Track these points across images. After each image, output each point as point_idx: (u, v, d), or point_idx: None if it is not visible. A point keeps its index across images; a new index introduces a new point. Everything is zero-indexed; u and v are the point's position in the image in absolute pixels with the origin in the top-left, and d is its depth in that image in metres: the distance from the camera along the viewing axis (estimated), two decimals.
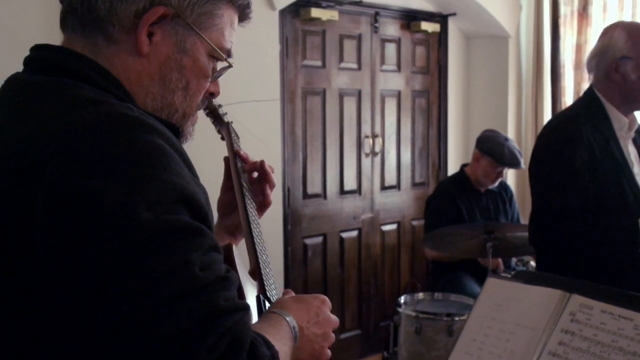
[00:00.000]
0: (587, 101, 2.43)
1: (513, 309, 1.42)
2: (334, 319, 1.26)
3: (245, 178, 1.55)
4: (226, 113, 1.65)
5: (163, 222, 0.90)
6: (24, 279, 0.95)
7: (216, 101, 1.61)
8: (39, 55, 1.12)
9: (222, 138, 1.66)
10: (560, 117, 2.60)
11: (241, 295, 1.22)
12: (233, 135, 1.62)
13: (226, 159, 1.59)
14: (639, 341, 1.20)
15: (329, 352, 1.24)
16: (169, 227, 0.91)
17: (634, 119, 2.43)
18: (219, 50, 1.18)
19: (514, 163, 4.01)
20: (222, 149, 1.63)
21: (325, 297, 1.26)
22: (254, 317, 1.22)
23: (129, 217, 0.89)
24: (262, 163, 1.58)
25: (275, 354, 0.97)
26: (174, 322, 0.87)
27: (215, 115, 1.63)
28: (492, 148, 4.00)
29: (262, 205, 1.58)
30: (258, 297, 1.33)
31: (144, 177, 0.92)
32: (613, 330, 1.24)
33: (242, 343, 0.90)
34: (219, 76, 1.25)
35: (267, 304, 1.33)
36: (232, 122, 1.65)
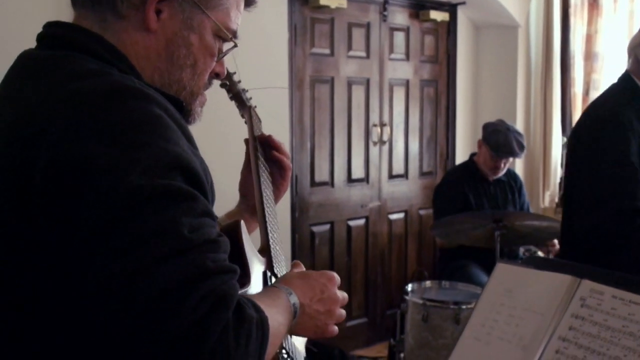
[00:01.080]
0: (626, 88, 2.32)
1: (523, 295, 1.42)
2: (342, 296, 1.27)
3: (263, 161, 1.58)
4: (251, 97, 1.69)
5: (155, 186, 0.93)
6: (21, 243, 0.97)
7: (240, 86, 1.66)
8: (50, 32, 1.15)
9: (246, 122, 1.70)
10: (604, 106, 2.43)
11: (245, 269, 1.24)
12: (255, 119, 1.66)
13: (246, 141, 1.62)
14: None
15: (335, 328, 1.26)
16: (161, 190, 0.94)
17: None
18: (225, 30, 1.21)
19: (508, 152, 3.93)
20: (245, 132, 1.66)
21: (334, 274, 1.28)
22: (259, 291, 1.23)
23: (122, 181, 0.92)
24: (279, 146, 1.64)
25: (265, 318, 0.99)
26: (159, 281, 0.89)
27: (239, 99, 1.68)
28: (489, 135, 3.98)
29: (280, 186, 1.64)
30: (264, 273, 1.35)
31: (139, 143, 0.95)
32: (624, 316, 1.24)
33: (227, 302, 0.93)
34: (224, 56, 1.27)
35: (273, 280, 1.34)
36: (255, 107, 1.69)
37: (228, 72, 1.65)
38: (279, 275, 1.38)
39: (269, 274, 1.36)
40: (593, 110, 2.42)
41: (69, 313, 0.97)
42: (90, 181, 0.93)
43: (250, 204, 1.61)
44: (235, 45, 1.27)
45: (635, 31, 4.81)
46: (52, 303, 0.98)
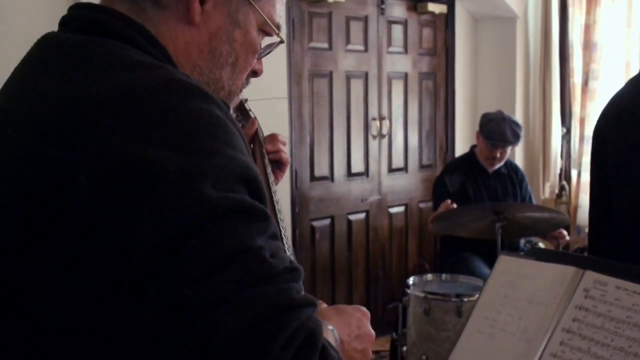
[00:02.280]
0: None
1: (526, 286, 1.41)
2: (373, 333, 1.14)
3: (272, 177, 1.51)
4: (250, 109, 1.62)
5: (229, 201, 0.80)
6: (57, 254, 0.83)
7: (242, 95, 1.59)
8: (81, 14, 1.01)
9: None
10: (631, 96, 2.35)
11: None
12: (259, 130, 1.59)
13: (252, 121, 1.56)
14: None
15: None
16: (235, 207, 0.81)
17: None
18: (271, 24, 1.09)
19: (501, 140, 3.90)
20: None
21: (366, 310, 1.16)
22: None
23: (193, 192, 0.79)
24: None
25: (341, 359, 0.88)
26: (242, 314, 0.76)
27: (242, 110, 1.60)
28: (484, 124, 3.97)
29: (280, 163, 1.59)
30: None
31: (208, 149, 0.82)
32: (628, 306, 1.24)
33: (317, 341, 0.81)
34: (267, 53, 1.16)
35: None
36: (255, 118, 1.62)
37: None
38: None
39: None
40: (619, 102, 2.37)
41: (126, 352, 0.83)
42: (154, 192, 0.78)
43: None
44: (282, 41, 1.16)
45: (633, 20, 4.80)
46: (99, 338, 0.83)
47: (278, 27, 1.11)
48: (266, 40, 1.15)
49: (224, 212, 0.79)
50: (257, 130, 1.56)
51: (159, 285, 0.77)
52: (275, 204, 1.45)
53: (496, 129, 3.89)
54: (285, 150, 1.59)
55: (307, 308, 0.82)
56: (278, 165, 1.59)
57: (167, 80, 0.87)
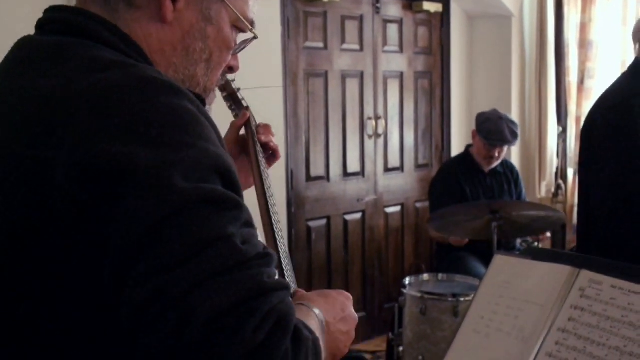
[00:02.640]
0: (636, 74, 2.28)
1: (521, 286, 1.41)
2: (356, 316, 1.19)
3: (264, 163, 1.51)
4: (243, 98, 1.62)
5: (200, 191, 0.83)
6: (38, 249, 0.87)
7: (235, 85, 1.59)
8: (56, 17, 1.04)
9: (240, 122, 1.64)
10: (616, 93, 2.36)
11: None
12: (252, 119, 1.59)
13: (233, 124, 1.57)
14: None
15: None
16: (207, 196, 0.84)
17: None
18: (244, 20, 1.12)
19: (500, 139, 3.91)
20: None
21: (349, 294, 1.20)
22: None
23: (164, 185, 0.82)
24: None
25: (317, 339, 0.90)
26: (216, 300, 0.79)
27: (234, 99, 1.60)
28: (481, 124, 3.97)
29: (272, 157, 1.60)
30: None
31: (179, 143, 0.85)
32: (623, 306, 1.23)
33: (288, 323, 0.83)
34: (241, 49, 1.19)
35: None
36: (249, 107, 1.62)
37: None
38: (290, 284, 1.33)
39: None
40: (605, 100, 2.40)
41: (107, 337, 0.87)
42: (127, 187, 0.82)
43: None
44: (255, 37, 1.18)
45: (629, 19, 4.80)
46: (88, 327, 0.87)
47: (252, 23, 1.14)
48: (245, 36, 1.17)
49: (195, 202, 0.82)
50: (249, 119, 1.57)
51: (136, 275, 0.80)
52: (267, 190, 1.45)
53: (494, 129, 3.89)
54: (274, 141, 1.60)
55: (280, 292, 0.85)
56: (269, 157, 1.60)
57: (139, 78, 0.90)
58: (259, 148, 1.53)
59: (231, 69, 1.21)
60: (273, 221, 1.40)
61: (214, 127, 0.94)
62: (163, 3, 1.03)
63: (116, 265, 0.82)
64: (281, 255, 1.35)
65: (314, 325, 1.01)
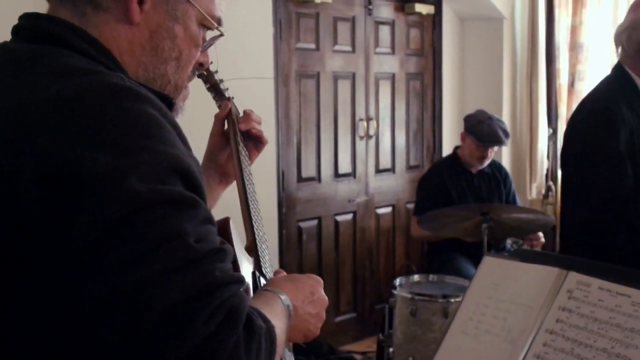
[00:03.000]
0: (618, 79, 2.30)
1: (510, 288, 1.41)
2: (326, 298, 1.24)
3: (245, 153, 1.55)
4: (227, 89, 1.65)
5: (156, 193, 0.88)
6: (8, 250, 0.91)
7: (218, 76, 1.62)
8: (28, 24, 1.08)
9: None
10: (596, 97, 2.40)
11: (237, 270, 1.21)
12: (235, 110, 1.62)
13: (216, 116, 1.59)
14: (636, 317, 1.19)
15: (319, 331, 1.23)
16: (162, 197, 0.88)
17: None
18: (210, 18, 1.16)
19: (494, 140, 3.95)
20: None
21: (319, 278, 1.25)
22: (250, 293, 1.21)
23: (121, 188, 0.86)
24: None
25: (272, 328, 0.95)
26: (168, 294, 0.84)
27: (217, 90, 1.64)
28: (473, 126, 3.98)
29: (260, 143, 1.61)
30: (253, 273, 1.32)
31: (136, 147, 0.90)
32: (611, 307, 1.23)
33: (239, 314, 0.88)
34: (209, 46, 1.23)
35: (262, 281, 1.32)
36: (233, 98, 1.65)
37: None
38: (267, 276, 1.35)
39: (257, 274, 1.33)
40: (585, 104, 2.42)
41: (70, 333, 0.91)
42: (85, 189, 0.86)
43: (220, 171, 1.57)
44: (222, 34, 1.22)
45: (619, 21, 4.82)
46: (52, 322, 0.92)
47: (219, 21, 1.19)
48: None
49: (151, 203, 0.87)
50: (230, 110, 1.59)
51: (95, 274, 0.85)
52: (246, 180, 1.48)
53: (488, 130, 3.92)
54: (261, 128, 1.62)
55: (232, 285, 0.90)
56: (255, 143, 1.62)
57: (101, 85, 0.94)
58: (239, 138, 1.55)
59: (201, 65, 1.25)
60: (251, 210, 1.44)
61: (178, 129, 0.99)
62: (130, 5, 1.06)
63: (77, 266, 0.87)
64: (258, 243, 1.39)
65: (277, 311, 1.07)
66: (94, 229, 0.85)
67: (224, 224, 1.27)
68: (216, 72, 1.64)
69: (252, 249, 1.39)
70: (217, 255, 0.90)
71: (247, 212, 1.43)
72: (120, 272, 0.84)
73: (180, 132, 0.99)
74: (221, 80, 1.64)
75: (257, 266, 1.35)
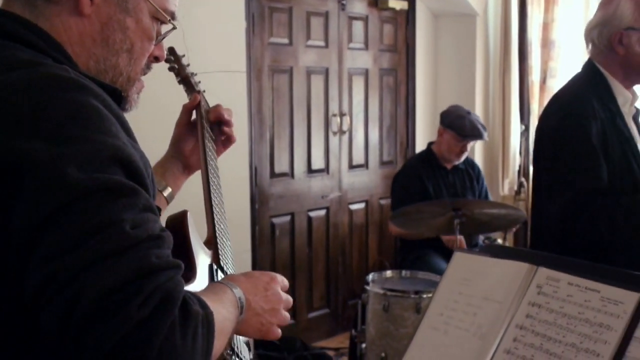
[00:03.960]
0: (589, 75, 2.30)
1: (480, 283, 1.41)
2: (286, 297, 1.25)
3: (212, 145, 1.56)
4: (199, 82, 1.66)
5: (94, 181, 0.90)
6: None
7: (189, 69, 1.64)
8: None
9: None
10: (568, 92, 2.40)
11: (191, 263, 1.22)
12: (204, 104, 1.62)
13: (184, 107, 1.60)
14: (605, 312, 1.19)
15: (278, 330, 1.23)
16: (100, 186, 0.90)
17: (635, 94, 2.31)
18: (162, 12, 1.17)
19: (476, 134, 3.99)
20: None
21: (277, 275, 1.26)
22: (205, 286, 1.20)
23: (59, 177, 0.88)
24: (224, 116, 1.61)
25: (210, 314, 0.96)
26: (102, 280, 0.86)
27: (188, 84, 1.65)
28: (453, 121, 4.00)
29: (227, 141, 1.64)
30: (210, 266, 1.32)
31: (76, 136, 0.92)
32: (579, 302, 1.24)
33: (174, 299, 0.90)
34: (162, 39, 1.24)
35: (220, 274, 1.33)
36: (204, 91, 1.66)
37: (177, 55, 1.64)
38: (225, 269, 1.36)
39: (215, 267, 1.33)
40: (557, 99, 2.42)
41: (15, 321, 0.94)
42: (23, 178, 0.89)
43: (183, 161, 1.59)
44: (174, 28, 1.24)
45: (590, 18, 4.86)
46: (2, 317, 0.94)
47: (172, 15, 1.20)
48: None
49: (89, 191, 0.89)
50: (199, 103, 1.60)
51: (34, 262, 0.87)
52: (210, 172, 1.50)
53: (469, 125, 3.95)
54: (230, 119, 1.63)
55: (168, 270, 0.91)
56: (223, 141, 1.65)
57: (43, 76, 0.96)
58: (207, 132, 1.56)
59: (157, 59, 1.25)
60: (213, 203, 1.45)
61: (122, 120, 1.01)
62: None
63: (18, 254, 0.89)
64: (218, 236, 1.40)
65: (225, 300, 1.09)
66: (32, 216, 0.88)
67: (181, 217, 1.27)
68: (188, 65, 1.66)
69: (211, 242, 1.39)
70: (154, 242, 0.92)
71: (210, 205, 1.45)
72: (57, 260, 0.86)
73: (124, 124, 1.01)
74: (193, 74, 1.65)
75: (215, 259, 1.36)
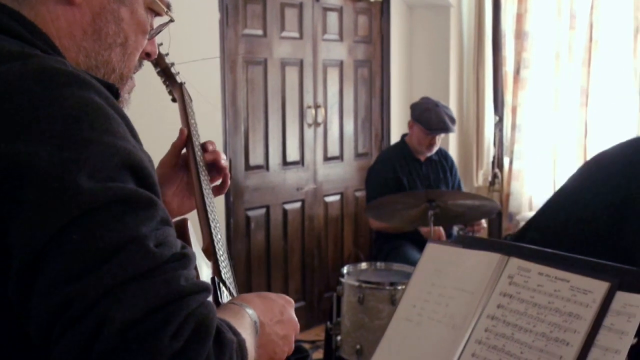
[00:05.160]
0: None
1: (453, 274, 1.41)
2: (297, 321, 1.16)
3: (200, 152, 1.44)
4: (179, 73, 1.56)
5: (108, 191, 0.78)
6: None
7: (168, 59, 1.53)
8: None
9: (173, 100, 1.57)
10: None
11: (197, 276, 1.10)
12: (186, 97, 1.53)
13: (182, 130, 1.46)
14: (574, 302, 1.20)
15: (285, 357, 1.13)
16: (115, 196, 0.78)
17: None
18: (159, 2, 1.07)
19: (441, 128, 4.00)
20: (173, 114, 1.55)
21: (290, 299, 1.17)
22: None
23: (67, 187, 0.76)
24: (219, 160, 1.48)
25: (242, 341, 0.87)
26: (127, 308, 0.74)
27: (168, 74, 1.54)
28: (420, 114, 4.02)
29: (221, 187, 1.49)
30: (213, 279, 1.22)
31: (83, 139, 0.80)
32: (550, 292, 1.24)
33: (209, 327, 0.79)
34: (157, 33, 1.14)
35: (222, 287, 1.23)
36: (184, 83, 1.56)
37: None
38: (226, 281, 1.26)
39: (217, 280, 1.23)
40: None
41: (17, 352, 0.82)
42: (28, 189, 0.76)
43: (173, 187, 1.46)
44: (172, 20, 1.14)
45: (563, 10, 4.88)
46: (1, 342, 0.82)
47: (168, 5, 1.10)
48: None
49: (103, 203, 0.77)
50: (184, 101, 1.52)
51: (43, 286, 0.75)
52: (203, 178, 1.40)
53: (435, 118, 3.95)
54: (228, 170, 1.51)
55: (198, 295, 0.80)
56: (219, 189, 1.51)
57: (40, 69, 0.84)
58: (198, 150, 1.45)
59: (148, 55, 1.15)
60: (208, 209, 1.35)
61: (127, 120, 0.89)
62: None
63: (21, 275, 0.76)
64: (216, 245, 1.31)
65: (245, 325, 0.97)
66: (39, 234, 0.75)
67: (182, 225, 1.18)
68: (167, 54, 1.54)
69: (210, 252, 1.30)
70: (180, 262, 0.81)
71: (204, 212, 1.34)
72: (73, 283, 0.74)
73: (128, 122, 0.90)
74: (172, 64, 1.54)
75: (217, 271, 1.26)
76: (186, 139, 1.45)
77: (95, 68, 1.02)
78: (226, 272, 1.30)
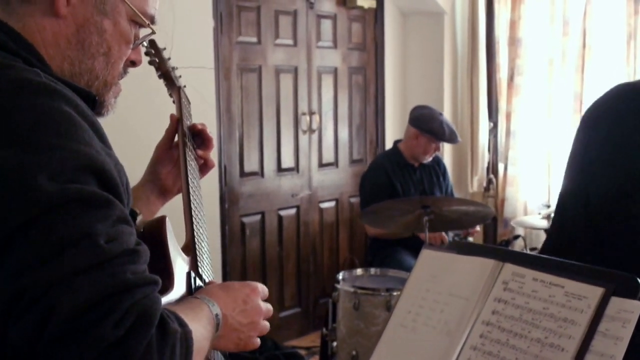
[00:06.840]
0: None
1: (447, 280, 1.41)
2: (266, 307, 1.22)
3: (192, 148, 1.52)
4: (180, 76, 1.63)
5: (66, 192, 0.86)
6: None
7: (170, 63, 1.62)
8: None
9: (174, 101, 1.64)
10: None
11: (169, 271, 1.18)
12: (184, 100, 1.60)
13: (172, 116, 1.57)
14: (569, 307, 1.20)
15: (257, 341, 1.21)
16: (72, 196, 0.86)
17: None
18: (141, 15, 1.13)
19: (453, 139, 4.06)
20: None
21: (257, 285, 1.23)
22: (182, 294, 1.18)
23: (29, 186, 0.85)
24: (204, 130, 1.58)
25: (189, 332, 0.93)
26: (76, 297, 0.81)
27: (168, 78, 1.62)
28: (432, 127, 4.01)
29: (205, 166, 1.59)
30: (188, 274, 1.28)
31: (46, 144, 0.88)
32: (544, 298, 1.24)
33: (151, 317, 0.86)
34: (140, 43, 1.20)
35: (198, 281, 1.29)
36: (184, 86, 1.63)
37: (157, 48, 1.60)
38: (203, 276, 1.32)
39: (192, 275, 1.29)
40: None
41: None
42: None
43: (159, 185, 1.55)
44: (153, 32, 1.20)
45: (556, 17, 4.90)
46: None
47: (151, 19, 1.17)
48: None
49: (60, 202, 0.85)
50: (180, 104, 1.58)
51: (3, 277, 0.83)
52: (191, 176, 1.46)
53: (446, 128, 4.00)
54: (212, 144, 1.60)
55: (144, 287, 0.88)
56: (202, 168, 1.59)
57: (13, 80, 0.92)
58: (190, 146, 1.52)
59: (133, 63, 1.22)
60: (192, 207, 1.41)
61: (96, 127, 0.97)
62: None
63: None
64: (197, 242, 1.37)
65: (201, 317, 1.05)
66: (1, 230, 0.83)
67: (160, 223, 1.24)
68: (169, 59, 1.62)
69: (189, 248, 1.35)
70: (129, 257, 0.89)
71: (189, 208, 1.41)
72: (25, 275, 0.82)
73: (98, 129, 0.98)
74: (174, 68, 1.62)
75: (194, 266, 1.32)
76: (176, 122, 1.55)
77: (79, 75, 1.09)
78: (204, 266, 1.36)
